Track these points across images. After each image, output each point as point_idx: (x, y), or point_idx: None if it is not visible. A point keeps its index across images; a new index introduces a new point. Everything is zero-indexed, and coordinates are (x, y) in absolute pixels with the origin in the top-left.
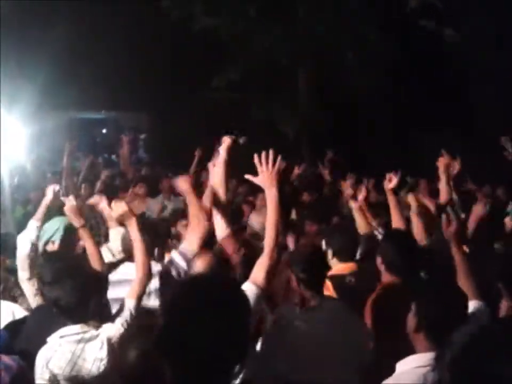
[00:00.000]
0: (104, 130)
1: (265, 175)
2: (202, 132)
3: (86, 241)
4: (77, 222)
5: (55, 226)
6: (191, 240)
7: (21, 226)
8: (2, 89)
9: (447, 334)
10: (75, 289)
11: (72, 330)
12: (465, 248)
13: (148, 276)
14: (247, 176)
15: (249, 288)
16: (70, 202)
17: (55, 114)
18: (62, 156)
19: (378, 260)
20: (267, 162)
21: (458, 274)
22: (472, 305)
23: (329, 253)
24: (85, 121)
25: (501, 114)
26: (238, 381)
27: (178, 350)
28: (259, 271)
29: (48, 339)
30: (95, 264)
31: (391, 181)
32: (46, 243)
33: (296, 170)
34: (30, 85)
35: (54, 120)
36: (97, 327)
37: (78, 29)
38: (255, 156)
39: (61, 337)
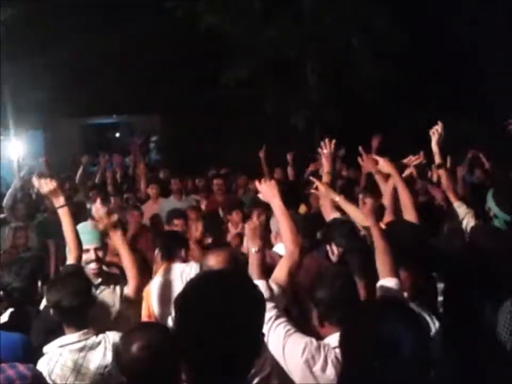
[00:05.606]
0: (117, 134)
1: (264, 190)
2: (215, 131)
3: (65, 222)
4: (56, 202)
5: None
6: None
7: (42, 231)
8: (16, 99)
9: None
10: (78, 291)
11: (72, 339)
12: (383, 225)
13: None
14: (257, 184)
15: (271, 287)
16: (48, 184)
17: (68, 121)
18: (75, 161)
19: None
20: (265, 180)
21: (376, 251)
22: (387, 282)
23: None
24: (97, 126)
25: None
26: (256, 380)
27: (192, 345)
28: (280, 271)
29: (46, 349)
30: (72, 249)
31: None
32: None
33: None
34: (43, 93)
35: (67, 126)
36: (97, 334)
37: (88, 35)
38: (256, 182)
39: (61, 346)
